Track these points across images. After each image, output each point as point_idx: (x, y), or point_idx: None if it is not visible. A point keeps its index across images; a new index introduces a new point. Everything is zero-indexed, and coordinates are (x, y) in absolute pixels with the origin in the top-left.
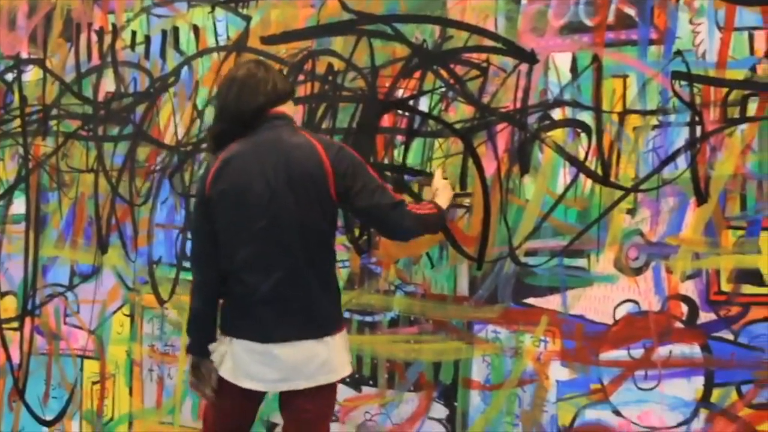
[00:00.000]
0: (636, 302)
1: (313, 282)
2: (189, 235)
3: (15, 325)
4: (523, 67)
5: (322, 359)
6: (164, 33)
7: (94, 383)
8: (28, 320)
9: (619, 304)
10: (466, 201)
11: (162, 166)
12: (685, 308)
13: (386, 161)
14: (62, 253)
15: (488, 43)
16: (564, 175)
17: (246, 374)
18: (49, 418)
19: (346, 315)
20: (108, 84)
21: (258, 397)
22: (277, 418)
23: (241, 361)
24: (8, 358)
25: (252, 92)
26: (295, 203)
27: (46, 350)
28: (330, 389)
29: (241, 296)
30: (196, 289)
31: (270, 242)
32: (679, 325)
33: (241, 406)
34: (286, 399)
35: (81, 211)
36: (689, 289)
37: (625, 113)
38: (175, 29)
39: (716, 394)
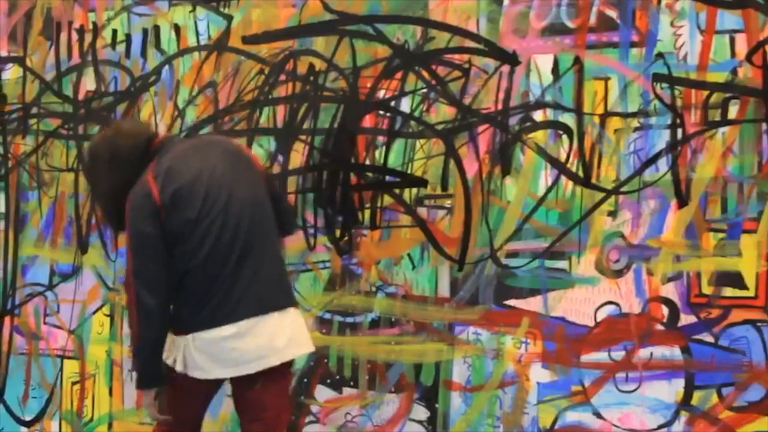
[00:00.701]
0: (617, 304)
1: (272, 255)
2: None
3: None
4: (505, 69)
5: (291, 332)
6: (145, 32)
7: (74, 383)
8: (7, 320)
9: (600, 307)
10: None
11: None
12: (665, 310)
13: (368, 162)
14: (42, 253)
15: (470, 44)
16: (545, 176)
17: (219, 364)
18: (28, 418)
19: (327, 316)
20: (88, 83)
21: (218, 385)
22: None
23: (209, 354)
24: None
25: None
26: (243, 184)
27: (25, 350)
28: (290, 367)
29: (204, 288)
30: (151, 316)
31: (229, 225)
32: (659, 327)
33: (204, 400)
34: (247, 383)
35: (61, 210)
36: (670, 291)
37: (606, 115)
38: (156, 28)
39: (697, 396)
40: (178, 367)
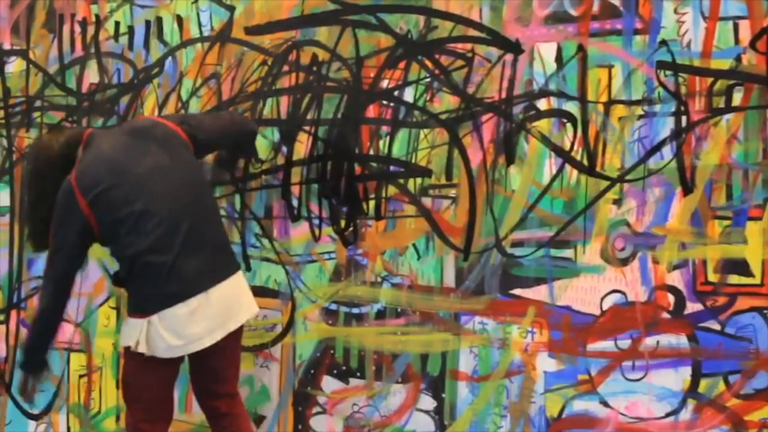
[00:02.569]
0: (623, 293)
1: (214, 224)
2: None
3: (0, 318)
4: (508, 57)
5: (242, 296)
6: (148, 24)
7: (81, 376)
8: (13, 313)
9: (605, 295)
10: None
11: None
12: (672, 299)
13: (372, 152)
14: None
15: (473, 33)
16: (550, 165)
17: (185, 339)
18: (36, 411)
19: (333, 307)
20: (92, 75)
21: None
22: (265, 410)
23: (174, 331)
24: None
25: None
26: (176, 163)
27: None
28: (241, 331)
29: (156, 268)
30: (48, 316)
31: (169, 205)
32: (666, 315)
33: (172, 377)
34: (210, 352)
35: None
36: (676, 279)
37: (610, 103)
38: (159, 20)
39: (704, 384)
40: (141, 349)
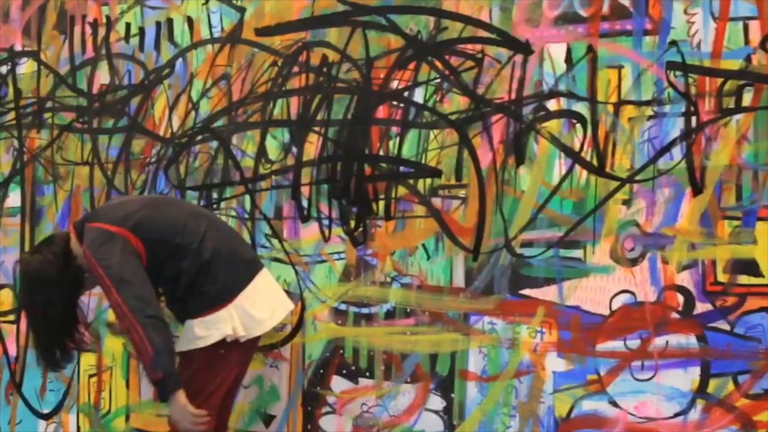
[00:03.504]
0: (632, 293)
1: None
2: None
3: (11, 318)
4: (518, 58)
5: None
6: (158, 25)
7: (91, 376)
8: (24, 313)
9: (615, 295)
10: None
11: (157, 158)
12: (681, 299)
13: (381, 153)
14: None
15: (483, 34)
16: (559, 166)
17: (269, 312)
18: (46, 411)
19: (342, 307)
20: (102, 76)
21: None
22: (274, 410)
23: (259, 306)
24: (5, 351)
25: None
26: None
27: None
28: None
29: (225, 257)
30: (159, 325)
31: (198, 217)
32: (675, 315)
33: (242, 369)
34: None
35: (77, 203)
36: (685, 279)
37: (620, 104)
38: (170, 21)
39: (713, 384)
40: (240, 333)
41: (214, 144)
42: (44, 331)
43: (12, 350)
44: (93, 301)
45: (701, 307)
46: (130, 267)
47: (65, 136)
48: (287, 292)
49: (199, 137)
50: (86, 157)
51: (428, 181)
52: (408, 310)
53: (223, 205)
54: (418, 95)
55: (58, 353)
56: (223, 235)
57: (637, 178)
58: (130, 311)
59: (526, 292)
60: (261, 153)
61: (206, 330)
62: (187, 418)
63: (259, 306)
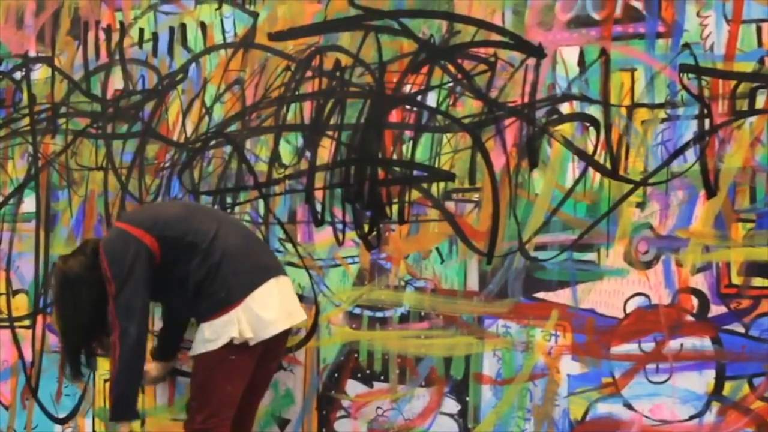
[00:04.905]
0: (646, 296)
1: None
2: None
3: (27, 323)
4: (531, 62)
5: (296, 298)
6: (171, 30)
7: (106, 381)
8: (39, 318)
9: (629, 298)
10: None
11: (171, 163)
12: (695, 301)
13: (395, 156)
14: None
15: (496, 37)
16: (573, 169)
17: (279, 314)
18: (62, 415)
19: (357, 311)
20: (116, 82)
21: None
22: (289, 414)
23: (268, 307)
24: (21, 356)
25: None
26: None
27: (58, 348)
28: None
29: (238, 258)
30: (138, 348)
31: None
32: (689, 318)
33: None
34: (276, 347)
35: (91, 208)
36: (699, 282)
37: (633, 107)
38: (183, 26)
39: (728, 387)
40: (247, 335)
41: (228, 149)
42: (73, 333)
43: (28, 355)
44: None
45: (716, 309)
46: (140, 294)
47: (79, 141)
48: (301, 297)
49: (213, 142)
50: (100, 163)
51: (442, 184)
52: (422, 313)
53: (237, 209)
54: (431, 99)
55: (83, 358)
56: (237, 238)
57: (651, 180)
58: (119, 338)
59: (540, 295)
60: (274, 157)
61: (214, 333)
62: None
63: (270, 308)
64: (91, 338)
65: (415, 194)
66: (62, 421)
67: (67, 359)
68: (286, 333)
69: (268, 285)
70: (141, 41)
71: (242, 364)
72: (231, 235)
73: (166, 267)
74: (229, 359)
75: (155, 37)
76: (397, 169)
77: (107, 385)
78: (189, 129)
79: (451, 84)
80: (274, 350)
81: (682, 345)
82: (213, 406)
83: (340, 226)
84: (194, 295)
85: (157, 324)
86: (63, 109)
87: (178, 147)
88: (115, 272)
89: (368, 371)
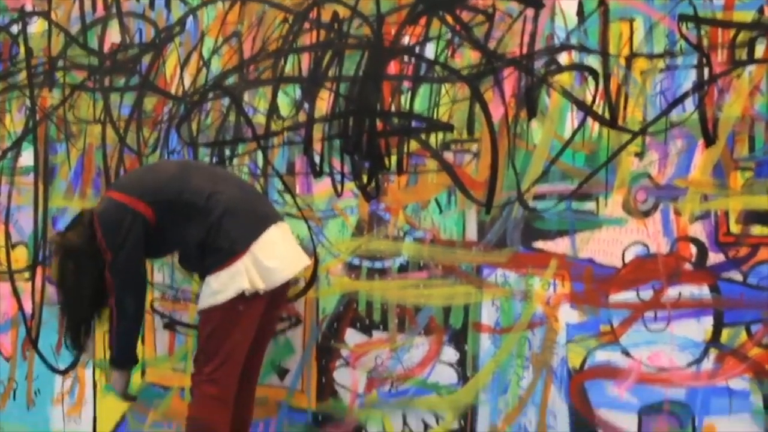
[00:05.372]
0: (645, 245)
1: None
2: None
3: (27, 275)
4: (530, 12)
5: (296, 243)
6: None
7: (106, 331)
8: (39, 270)
9: (627, 247)
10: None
11: (169, 116)
12: (694, 250)
13: (393, 108)
14: (72, 204)
15: None
16: (572, 119)
17: (288, 262)
18: (62, 367)
19: (356, 261)
20: (113, 35)
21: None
22: (289, 363)
23: (275, 255)
24: (21, 308)
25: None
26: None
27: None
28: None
29: (241, 210)
30: (134, 314)
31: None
32: (688, 266)
33: (271, 317)
34: (282, 293)
35: (89, 161)
36: (698, 230)
37: (632, 57)
38: None
39: (726, 334)
40: (257, 285)
41: (226, 101)
42: (77, 305)
43: (27, 307)
44: None
45: (714, 258)
46: (135, 261)
47: (77, 95)
48: (300, 248)
49: (211, 95)
50: (98, 116)
51: (440, 135)
52: (421, 263)
53: (235, 161)
54: (430, 50)
55: (83, 329)
56: (235, 191)
57: (650, 130)
58: (116, 304)
59: (539, 244)
60: (273, 110)
61: (222, 285)
62: (119, 389)
63: (274, 256)
64: (94, 309)
65: (414, 145)
66: (63, 372)
67: (68, 332)
68: (288, 282)
69: (270, 232)
70: None
71: (250, 315)
72: (228, 190)
73: (165, 228)
74: (237, 310)
75: None
76: (396, 120)
77: (107, 336)
78: (187, 82)
79: (449, 35)
80: (279, 298)
81: (680, 293)
82: (221, 357)
83: (338, 177)
84: (198, 252)
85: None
86: (60, 63)
87: (175, 100)
88: (109, 242)
89: (367, 321)
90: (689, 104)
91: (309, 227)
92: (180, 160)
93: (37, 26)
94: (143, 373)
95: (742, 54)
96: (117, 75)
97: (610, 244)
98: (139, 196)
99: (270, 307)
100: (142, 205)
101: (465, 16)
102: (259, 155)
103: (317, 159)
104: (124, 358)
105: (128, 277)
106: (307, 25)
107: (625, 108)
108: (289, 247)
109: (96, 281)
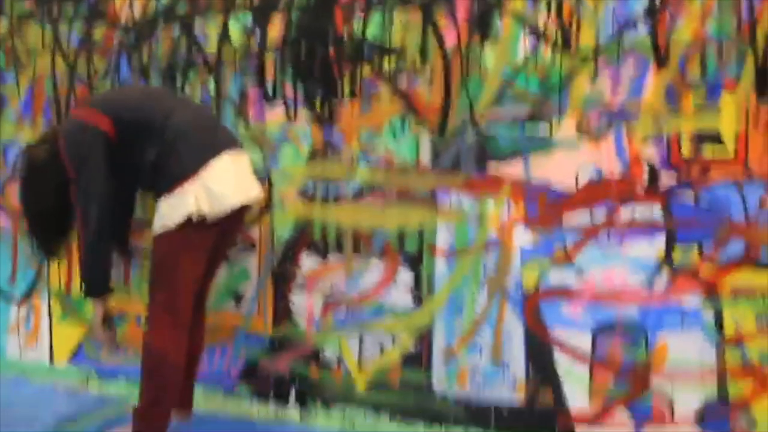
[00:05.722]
0: (598, 167)
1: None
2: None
3: None
4: None
5: (251, 174)
6: None
7: (59, 261)
8: None
9: (581, 169)
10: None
11: (119, 45)
12: (646, 172)
13: (346, 36)
14: (22, 133)
15: None
16: (524, 43)
17: (236, 190)
18: (17, 295)
19: (311, 187)
20: None
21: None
22: (245, 289)
23: (225, 181)
24: None
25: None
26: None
27: (10, 229)
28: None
29: (192, 135)
30: (101, 231)
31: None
32: (640, 188)
33: (209, 253)
34: (235, 220)
35: (40, 90)
36: (650, 152)
37: None
38: None
39: (677, 253)
40: (205, 208)
41: (177, 29)
42: (36, 217)
43: None
44: None
45: (666, 179)
46: (99, 177)
47: (25, 23)
48: (255, 174)
49: (162, 23)
50: (47, 45)
51: (393, 61)
52: (375, 188)
53: (187, 90)
54: None
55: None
56: (191, 116)
57: (602, 54)
58: (81, 222)
59: (493, 168)
60: (224, 37)
61: (171, 208)
62: (95, 323)
63: (224, 183)
64: (57, 223)
65: (367, 71)
66: (18, 302)
67: (35, 242)
68: (242, 210)
69: (221, 160)
70: None
71: (201, 241)
72: (186, 114)
73: (124, 148)
74: (188, 236)
75: None
76: (349, 46)
77: (62, 264)
78: (137, 11)
79: None
80: (231, 227)
81: (633, 214)
82: (174, 284)
83: (291, 104)
84: (153, 174)
85: None
86: None
87: (125, 29)
88: (72, 158)
89: (322, 246)
90: (641, 27)
91: (263, 154)
92: (147, 86)
93: None
94: None
95: None
96: (65, 3)
97: (564, 166)
98: (103, 112)
99: (221, 235)
100: (104, 121)
101: None
102: (212, 83)
103: (270, 86)
104: (92, 280)
105: (91, 193)
106: None
107: (578, 32)
108: (241, 176)
109: (57, 196)
